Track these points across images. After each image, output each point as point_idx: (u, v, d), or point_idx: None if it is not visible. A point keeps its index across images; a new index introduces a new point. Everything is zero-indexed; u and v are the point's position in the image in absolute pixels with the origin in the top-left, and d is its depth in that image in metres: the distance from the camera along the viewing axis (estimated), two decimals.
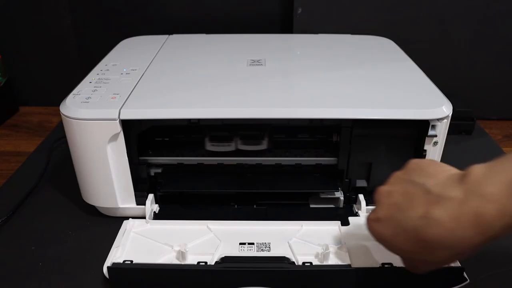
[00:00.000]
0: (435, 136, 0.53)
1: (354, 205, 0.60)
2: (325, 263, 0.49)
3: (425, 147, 0.54)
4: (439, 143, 0.54)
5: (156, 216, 0.58)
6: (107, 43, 0.75)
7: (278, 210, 0.59)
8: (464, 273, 0.47)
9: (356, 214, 0.58)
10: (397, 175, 0.42)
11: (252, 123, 0.53)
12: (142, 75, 0.60)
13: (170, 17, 0.87)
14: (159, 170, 0.60)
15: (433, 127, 0.52)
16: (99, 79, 0.59)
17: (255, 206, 0.60)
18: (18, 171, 0.71)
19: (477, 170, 0.35)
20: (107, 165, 0.53)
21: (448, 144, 0.55)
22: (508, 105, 0.90)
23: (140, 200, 0.57)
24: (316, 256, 0.50)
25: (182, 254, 0.49)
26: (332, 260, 0.49)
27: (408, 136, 0.55)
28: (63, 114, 0.52)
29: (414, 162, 0.42)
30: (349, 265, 0.48)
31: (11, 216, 0.60)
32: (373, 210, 0.42)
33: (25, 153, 0.77)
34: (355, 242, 0.52)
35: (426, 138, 0.53)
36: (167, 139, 0.62)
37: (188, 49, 0.73)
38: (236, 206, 0.60)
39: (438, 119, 0.52)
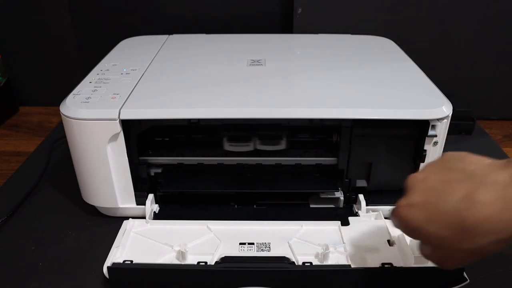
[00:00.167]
0: (435, 136, 0.53)
1: (354, 205, 0.60)
2: (325, 263, 0.49)
3: (425, 147, 0.54)
4: (439, 143, 0.54)
5: (156, 216, 0.58)
6: (107, 43, 0.75)
7: (278, 210, 0.59)
8: (464, 273, 0.47)
9: (356, 214, 0.58)
10: (432, 164, 0.40)
11: (270, 123, 0.53)
12: (142, 75, 0.60)
13: (170, 17, 0.87)
14: (159, 170, 0.60)
15: (433, 127, 0.52)
16: (99, 79, 0.59)
17: (255, 206, 0.60)
18: (18, 171, 0.71)
19: None
20: (107, 165, 0.53)
21: (448, 144, 0.55)
22: (508, 105, 0.90)
23: (140, 200, 0.57)
24: (316, 256, 0.50)
25: (182, 254, 0.49)
26: (332, 260, 0.49)
27: (408, 136, 0.55)
28: (63, 114, 0.52)
29: (450, 153, 0.40)
30: (349, 265, 0.48)
31: (11, 216, 0.60)
32: (403, 197, 0.39)
33: (25, 153, 0.77)
34: (355, 242, 0.52)
35: (426, 138, 0.53)
36: (167, 139, 0.62)
37: (188, 49, 0.73)
38: (236, 206, 0.60)
39: (438, 119, 0.52)
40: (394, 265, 0.48)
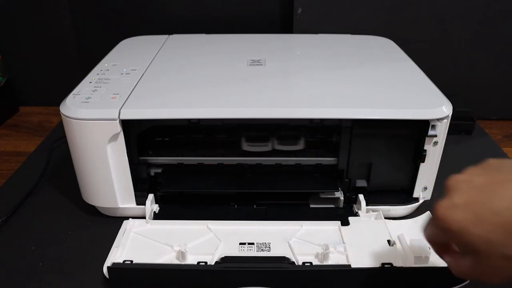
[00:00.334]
0: (435, 136, 0.53)
1: (354, 205, 0.60)
2: (325, 263, 0.49)
3: (425, 147, 0.54)
4: (439, 143, 0.54)
5: (156, 216, 0.58)
6: (107, 43, 0.75)
7: (278, 210, 0.59)
8: None
9: (356, 214, 0.58)
10: (474, 167, 0.36)
11: (287, 123, 0.53)
12: (142, 75, 0.60)
13: (170, 17, 0.87)
14: (159, 170, 0.60)
15: (433, 127, 0.52)
16: (99, 79, 0.59)
17: (255, 206, 0.60)
18: (18, 171, 0.71)
19: None
20: (107, 165, 0.53)
21: (448, 144, 0.55)
22: (508, 105, 0.90)
23: (140, 200, 0.57)
24: (316, 256, 0.50)
25: (182, 254, 0.49)
26: (332, 260, 0.49)
27: (408, 136, 0.55)
28: (63, 114, 0.52)
29: (494, 159, 0.36)
30: (349, 265, 0.48)
31: (11, 216, 0.60)
32: (445, 198, 0.35)
33: (25, 153, 0.77)
34: (355, 242, 0.52)
35: (426, 138, 0.53)
36: (167, 139, 0.62)
37: (188, 49, 0.73)
38: (236, 206, 0.60)
39: (438, 119, 0.52)
40: (394, 265, 0.48)
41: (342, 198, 0.59)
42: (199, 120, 0.53)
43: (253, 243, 0.52)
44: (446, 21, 0.83)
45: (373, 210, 0.57)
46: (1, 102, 0.89)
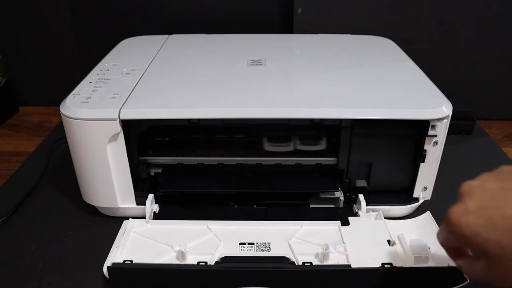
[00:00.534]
0: (435, 136, 0.53)
1: (354, 205, 0.60)
2: (325, 263, 0.49)
3: (425, 147, 0.54)
4: (439, 143, 0.54)
5: (156, 216, 0.58)
6: (107, 43, 0.75)
7: (278, 210, 0.59)
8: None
9: (356, 214, 0.58)
10: (487, 173, 0.37)
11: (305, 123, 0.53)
12: (142, 75, 0.60)
13: (170, 17, 0.87)
14: (159, 170, 0.60)
15: (433, 127, 0.52)
16: (99, 79, 0.59)
17: (255, 206, 0.60)
18: (18, 171, 0.71)
19: None
20: (107, 165, 0.53)
21: (448, 144, 0.55)
22: (508, 105, 0.90)
23: (140, 200, 0.57)
24: (316, 256, 0.50)
25: (182, 254, 0.49)
26: (332, 260, 0.49)
27: (408, 136, 0.55)
28: (63, 114, 0.52)
29: (506, 166, 0.37)
30: (349, 265, 0.48)
31: (11, 216, 0.60)
32: (458, 203, 0.36)
33: (25, 153, 0.77)
34: (355, 242, 0.52)
35: (426, 138, 0.53)
36: (167, 139, 0.62)
37: (188, 49, 0.73)
38: (236, 206, 0.60)
39: (438, 119, 0.52)
40: (394, 265, 0.48)
41: (342, 198, 0.59)
42: (199, 120, 0.53)
43: (253, 243, 0.52)
44: (446, 21, 0.83)
45: (373, 210, 0.57)
46: (1, 102, 0.89)
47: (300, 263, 0.48)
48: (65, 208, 0.62)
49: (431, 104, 0.52)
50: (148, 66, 0.64)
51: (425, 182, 0.57)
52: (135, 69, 0.62)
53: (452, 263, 0.47)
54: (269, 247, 0.51)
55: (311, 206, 0.60)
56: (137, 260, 0.49)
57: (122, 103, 0.52)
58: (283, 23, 0.87)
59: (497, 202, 0.33)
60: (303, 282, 0.47)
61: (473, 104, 0.80)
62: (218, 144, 0.61)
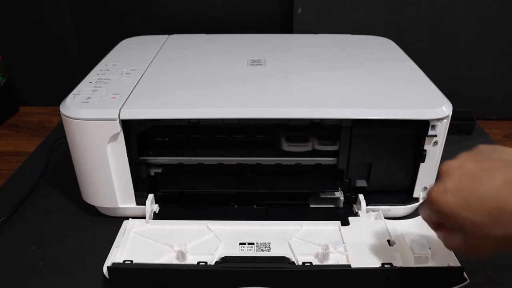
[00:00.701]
0: (435, 136, 0.53)
1: (354, 205, 0.60)
2: (325, 263, 0.49)
3: (425, 147, 0.54)
4: (439, 143, 0.54)
5: (156, 216, 0.58)
6: (107, 43, 0.75)
7: (278, 210, 0.59)
8: (464, 273, 0.47)
9: (356, 214, 0.58)
10: (466, 153, 0.40)
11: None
12: (142, 75, 0.60)
13: (170, 17, 0.87)
14: (159, 170, 0.60)
15: (433, 127, 0.52)
16: (99, 79, 0.59)
17: (255, 206, 0.60)
18: (18, 171, 0.71)
19: None
20: (107, 165, 0.53)
21: (448, 144, 0.55)
22: (508, 105, 0.90)
23: (140, 200, 0.57)
24: (316, 256, 0.50)
25: (182, 254, 0.49)
26: (332, 260, 0.49)
27: (408, 136, 0.55)
28: (63, 114, 0.52)
29: (485, 145, 0.40)
30: (349, 265, 0.48)
31: (11, 216, 0.60)
32: (438, 183, 0.39)
33: (25, 153, 0.77)
34: (355, 242, 0.52)
35: (426, 138, 0.53)
36: (167, 139, 0.62)
37: (188, 49, 0.73)
38: (236, 206, 0.60)
39: (438, 119, 0.52)
40: (394, 265, 0.48)
41: (342, 198, 0.59)
42: (199, 120, 0.53)
43: (253, 243, 0.52)
44: (446, 21, 0.83)
45: (373, 210, 0.57)
46: (1, 102, 0.89)
47: (300, 263, 0.48)
48: (65, 208, 0.62)
49: (431, 104, 0.52)
50: (148, 66, 0.64)
51: (425, 182, 0.57)
52: (135, 69, 0.62)
53: (452, 263, 0.48)
54: (269, 247, 0.51)
55: (311, 206, 0.60)
56: (137, 260, 0.49)
57: (122, 103, 0.52)
58: (283, 23, 0.87)
59: (473, 183, 0.36)
60: (303, 282, 0.47)
61: (473, 104, 0.79)
62: (218, 144, 0.61)
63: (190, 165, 0.60)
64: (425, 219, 0.43)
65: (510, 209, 0.34)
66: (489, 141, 0.80)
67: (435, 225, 0.42)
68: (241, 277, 0.46)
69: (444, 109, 0.52)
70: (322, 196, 0.60)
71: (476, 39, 0.84)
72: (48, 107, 0.95)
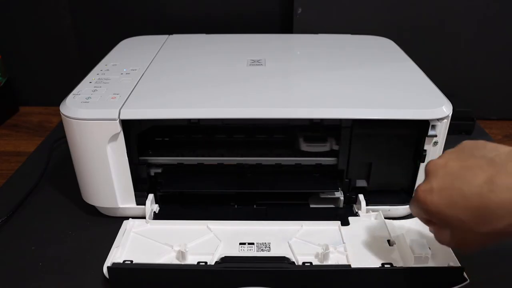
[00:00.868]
0: (435, 136, 0.53)
1: (354, 205, 0.60)
2: (325, 263, 0.49)
3: (425, 147, 0.54)
4: (439, 143, 0.54)
5: (156, 216, 0.58)
6: (107, 43, 0.75)
7: (278, 210, 0.59)
8: (464, 273, 0.47)
9: (356, 214, 0.58)
10: (451, 151, 0.41)
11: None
12: (142, 75, 0.60)
13: (170, 17, 0.87)
14: (159, 170, 0.60)
15: (433, 127, 0.52)
16: (99, 79, 0.59)
17: (255, 206, 0.60)
18: (18, 171, 0.71)
19: None
20: (107, 165, 0.53)
21: (448, 144, 0.55)
22: (508, 105, 0.90)
23: (140, 200, 0.57)
24: (316, 256, 0.50)
25: (182, 254, 0.49)
26: (332, 260, 0.49)
27: (408, 136, 0.55)
28: (63, 114, 0.52)
29: (469, 141, 0.41)
30: (349, 265, 0.48)
31: (11, 216, 0.60)
32: (423, 182, 0.41)
33: (25, 153, 0.77)
34: (355, 242, 0.52)
35: (426, 138, 0.53)
36: (167, 139, 0.62)
37: (188, 49, 0.73)
38: (236, 206, 0.60)
39: (438, 119, 0.52)
40: (394, 265, 0.48)
41: (342, 198, 0.59)
42: (199, 120, 0.53)
43: (253, 243, 0.52)
44: (446, 21, 0.83)
45: (373, 210, 0.57)
46: (1, 102, 0.89)
47: (300, 263, 0.48)
48: (65, 208, 0.62)
49: (431, 104, 0.52)
50: (148, 66, 0.64)
51: None
52: (135, 69, 0.62)
53: (452, 263, 0.48)
54: (269, 247, 0.51)
55: (311, 206, 0.60)
56: (137, 260, 0.49)
57: (122, 103, 0.52)
58: (283, 23, 0.87)
59: (457, 182, 0.37)
60: (303, 282, 0.47)
61: (473, 104, 0.79)
62: (218, 144, 0.61)
63: (190, 165, 0.60)
64: (414, 215, 0.44)
65: (493, 206, 0.35)
66: (489, 141, 0.80)
67: (426, 221, 0.43)
68: (241, 277, 0.46)
69: (444, 109, 0.52)
70: (322, 196, 0.60)
71: (476, 39, 0.84)
72: (48, 107, 0.95)
